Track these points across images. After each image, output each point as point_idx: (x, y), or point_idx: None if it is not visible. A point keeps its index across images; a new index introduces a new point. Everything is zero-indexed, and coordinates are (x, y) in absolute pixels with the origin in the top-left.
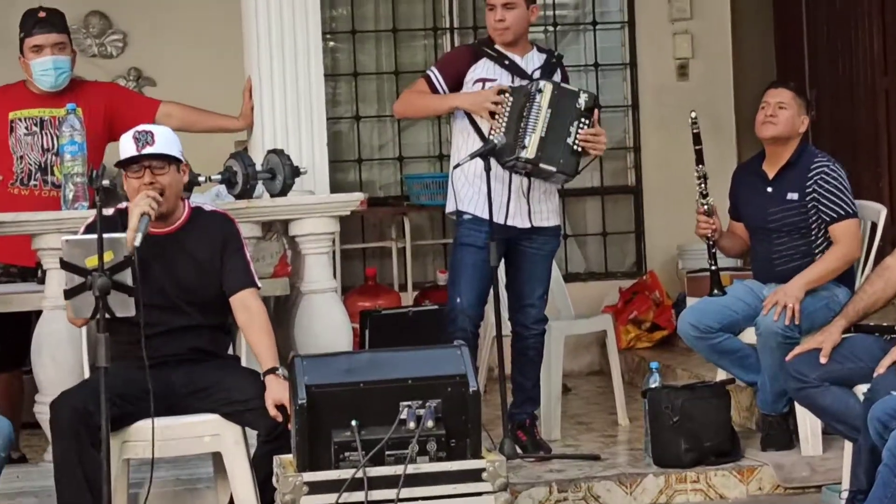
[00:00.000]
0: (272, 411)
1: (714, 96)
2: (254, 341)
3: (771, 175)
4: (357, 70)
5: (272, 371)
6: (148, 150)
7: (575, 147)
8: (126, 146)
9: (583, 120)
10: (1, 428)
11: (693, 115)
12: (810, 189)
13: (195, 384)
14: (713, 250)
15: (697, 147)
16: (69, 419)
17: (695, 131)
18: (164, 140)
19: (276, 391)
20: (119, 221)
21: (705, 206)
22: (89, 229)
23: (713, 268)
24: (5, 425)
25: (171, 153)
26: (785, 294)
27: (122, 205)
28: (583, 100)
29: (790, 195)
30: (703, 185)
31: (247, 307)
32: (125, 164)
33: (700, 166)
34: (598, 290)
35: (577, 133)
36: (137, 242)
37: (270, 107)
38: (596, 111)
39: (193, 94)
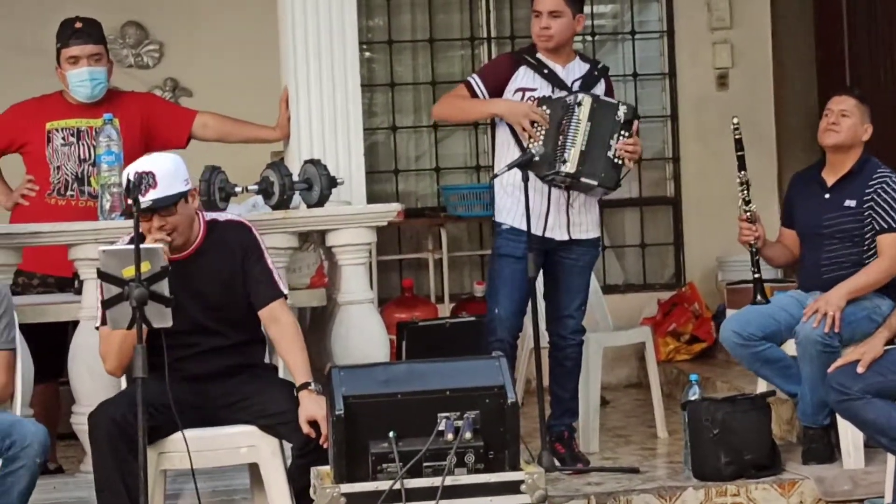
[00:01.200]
0: (305, 428)
1: (754, 106)
2: (286, 355)
3: (830, 183)
4: (394, 80)
5: (305, 386)
6: (151, 194)
7: (615, 160)
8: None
9: (622, 132)
10: (37, 433)
11: (735, 120)
12: (868, 197)
13: (232, 396)
14: (756, 258)
15: (739, 153)
16: (107, 430)
17: (737, 137)
18: (167, 177)
19: (310, 407)
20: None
21: (748, 213)
22: None
23: (756, 276)
24: (41, 432)
25: (175, 191)
26: (826, 302)
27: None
28: (622, 112)
29: (848, 202)
30: (745, 192)
31: (276, 319)
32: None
33: (742, 172)
34: (637, 302)
35: (616, 145)
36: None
37: (307, 117)
38: (635, 123)
39: (230, 104)
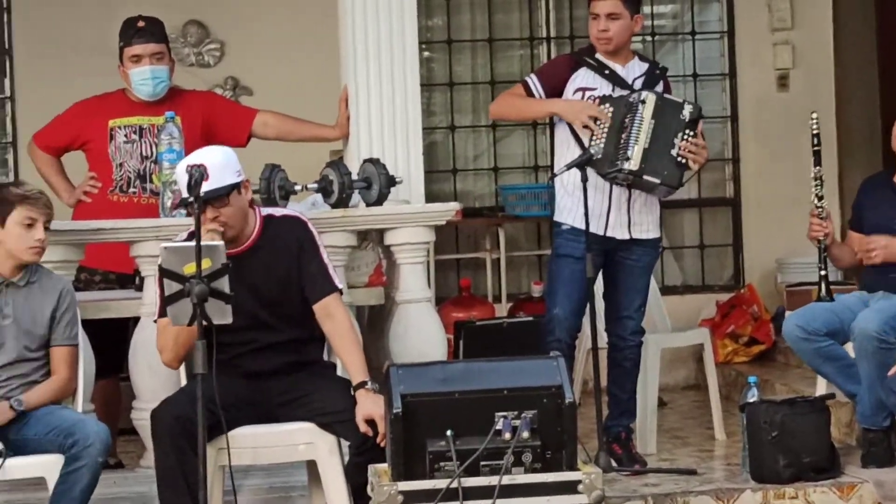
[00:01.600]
0: (362, 427)
1: (815, 108)
2: (342, 353)
3: None
4: (453, 80)
5: (363, 385)
6: (203, 186)
7: (679, 159)
8: (182, 181)
9: (687, 131)
10: (99, 433)
11: (814, 115)
12: None
13: (291, 393)
14: (824, 255)
15: (816, 148)
16: (170, 427)
17: (814, 132)
18: (219, 169)
19: (367, 406)
20: None
21: (819, 209)
22: None
23: (823, 273)
24: (103, 431)
25: (227, 183)
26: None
27: (185, 221)
28: (687, 111)
29: None
30: (819, 188)
31: (330, 315)
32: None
33: (818, 168)
34: (695, 304)
35: (680, 144)
36: None
37: (367, 116)
38: (700, 123)
39: (290, 103)
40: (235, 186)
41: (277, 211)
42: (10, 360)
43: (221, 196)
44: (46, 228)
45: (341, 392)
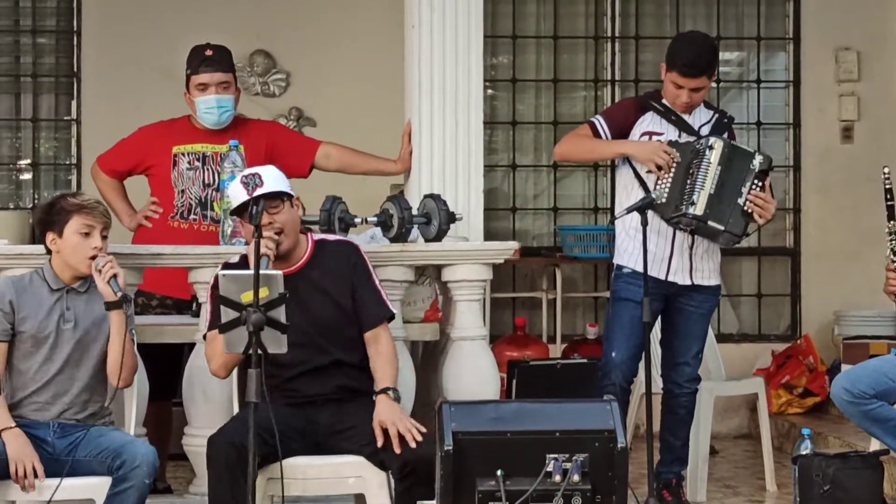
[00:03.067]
0: (377, 430)
1: (879, 160)
2: (376, 367)
3: None
4: (515, 119)
5: (385, 391)
6: (259, 191)
7: (745, 208)
8: (237, 192)
9: (755, 181)
10: (147, 455)
11: (886, 170)
12: None
13: (340, 424)
14: None
15: (889, 202)
16: (226, 455)
17: (887, 186)
18: (273, 179)
19: (382, 412)
20: (244, 266)
21: (895, 263)
22: (227, 268)
23: None
24: (151, 453)
25: (281, 188)
26: None
27: (243, 250)
28: (758, 161)
29: None
30: (894, 242)
31: (377, 339)
32: (240, 210)
33: (892, 222)
34: (751, 352)
35: (748, 194)
36: None
37: (429, 152)
38: (769, 175)
39: (352, 135)
40: (289, 196)
41: (330, 236)
42: (68, 363)
43: (276, 198)
44: (104, 237)
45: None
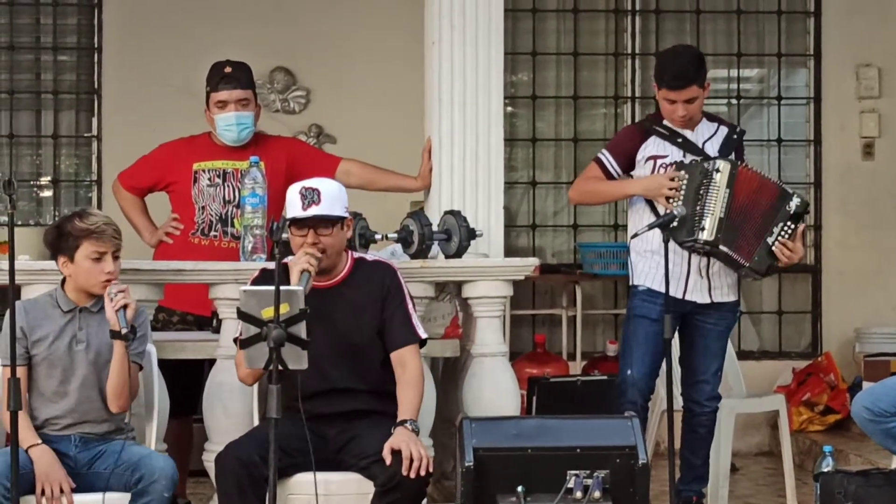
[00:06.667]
0: (386, 452)
1: None
2: (401, 394)
3: None
4: (535, 136)
5: (403, 423)
6: (313, 210)
7: (772, 248)
8: (293, 202)
9: (788, 224)
10: (165, 468)
11: None
12: None
13: (343, 438)
14: None
15: None
16: (235, 471)
17: None
18: (330, 198)
19: (397, 438)
20: (284, 276)
21: None
22: (256, 283)
23: None
24: (170, 466)
25: (336, 213)
26: None
27: (287, 259)
28: (794, 203)
29: None
30: None
31: (404, 363)
32: (291, 221)
33: None
34: (772, 370)
35: (779, 235)
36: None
37: (449, 168)
38: (803, 219)
39: (373, 152)
40: (342, 220)
41: (369, 255)
42: (84, 385)
43: (329, 222)
44: (116, 258)
45: (379, 437)
